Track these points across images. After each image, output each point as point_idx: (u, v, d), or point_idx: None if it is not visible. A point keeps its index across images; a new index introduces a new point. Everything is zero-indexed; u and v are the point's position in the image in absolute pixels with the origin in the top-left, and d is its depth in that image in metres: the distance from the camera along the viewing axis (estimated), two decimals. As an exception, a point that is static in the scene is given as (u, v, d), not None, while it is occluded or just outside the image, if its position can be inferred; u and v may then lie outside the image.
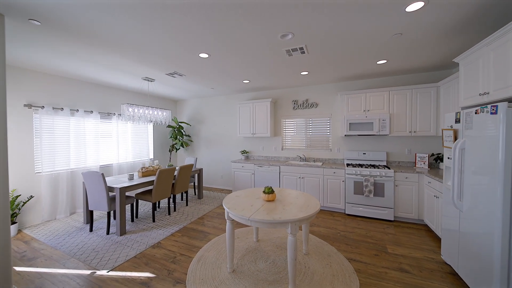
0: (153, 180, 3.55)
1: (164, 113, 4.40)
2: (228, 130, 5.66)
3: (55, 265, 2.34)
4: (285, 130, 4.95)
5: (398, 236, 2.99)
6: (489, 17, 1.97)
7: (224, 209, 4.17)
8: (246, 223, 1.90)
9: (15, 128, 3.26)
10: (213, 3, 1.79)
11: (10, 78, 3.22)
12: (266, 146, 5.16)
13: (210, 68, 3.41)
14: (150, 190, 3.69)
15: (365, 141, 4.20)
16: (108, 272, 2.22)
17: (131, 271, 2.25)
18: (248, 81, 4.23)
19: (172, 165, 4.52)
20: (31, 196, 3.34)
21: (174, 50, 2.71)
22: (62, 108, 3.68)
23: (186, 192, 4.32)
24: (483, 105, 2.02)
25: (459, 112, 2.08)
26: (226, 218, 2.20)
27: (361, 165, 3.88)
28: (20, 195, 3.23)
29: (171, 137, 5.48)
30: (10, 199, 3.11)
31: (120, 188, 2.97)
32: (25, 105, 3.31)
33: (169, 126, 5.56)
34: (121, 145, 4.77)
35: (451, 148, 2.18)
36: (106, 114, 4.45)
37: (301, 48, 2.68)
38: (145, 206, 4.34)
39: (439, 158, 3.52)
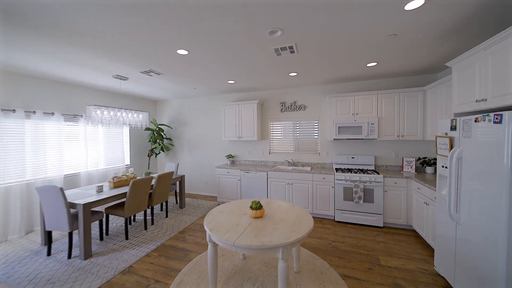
0: (126, 192, 3.15)
1: (140, 116, 3.99)
2: (212, 133, 5.34)
3: (-3, 305, 1.91)
4: (272, 134, 4.75)
5: (389, 244, 2.90)
6: (489, 18, 1.89)
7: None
8: (231, 249, 1.64)
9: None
10: (190, -9, 1.51)
11: None
12: (253, 150, 4.92)
13: (191, 67, 3.10)
14: (123, 203, 3.29)
15: (354, 145, 4.11)
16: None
17: (94, 306, 1.89)
18: (233, 82, 3.96)
19: (150, 173, 4.13)
20: (-26, 215, 2.80)
21: (148, 45, 2.37)
22: (14, 110, 3.15)
23: (166, 202, 3.95)
24: (482, 113, 1.94)
25: (455, 119, 1.98)
26: (207, 241, 1.92)
27: (350, 170, 3.78)
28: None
29: (149, 140, 5.04)
30: None
31: (83, 204, 2.56)
32: (-36, 107, 2.77)
33: (147, 129, 5.12)
34: (91, 150, 4.27)
35: (446, 156, 2.09)
36: (72, 116, 3.94)
37: (291, 47, 2.47)
38: (118, 220, 3.90)
39: (425, 162, 3.50)
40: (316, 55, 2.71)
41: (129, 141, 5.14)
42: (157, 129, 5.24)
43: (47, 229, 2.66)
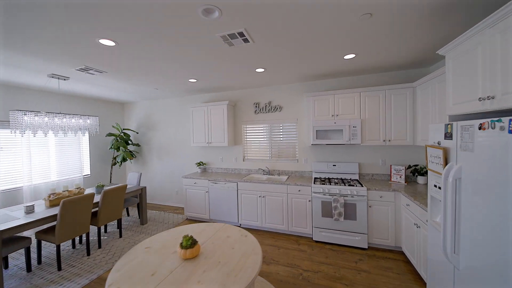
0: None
1: (89, 121, 3.43)
2: (183, 138, 4.79)
3: None
4: (246, 138, 4.22)
5: (373, 275, 2.38)
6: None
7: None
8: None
9: None
10: None
11: None
12: (225, 157, 4.38)
13: (128, 62, 2.55)
14: (56, 226, 2.73)
15: (335, 151, 3.60)
16: None
17: None
18: (195, 80, 3.42)
19: (103, 186, 3.57)
20: None
21: (69, 36, 1.82)
22: None
23: (120, 220, 3.40)
24: (488, 115, 1.43)
25: (450, 125, 1.47)
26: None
27: (330, 180, 3.27)
28: None
29: (111, 147, 4.48)
30: None
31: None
32: None
33: (109, 134, 4.56)
34: (36, 160, 3.70)
35: (439, 174, 1.57)
36: (5, 122, 3.37)
37: (241, 34, 1.94)
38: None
39: (416, 171, 3.00)
40: (278, 45, 2.18)
41: (89, 148, 4.58)
42: (121, 134, 4.68)
43: None
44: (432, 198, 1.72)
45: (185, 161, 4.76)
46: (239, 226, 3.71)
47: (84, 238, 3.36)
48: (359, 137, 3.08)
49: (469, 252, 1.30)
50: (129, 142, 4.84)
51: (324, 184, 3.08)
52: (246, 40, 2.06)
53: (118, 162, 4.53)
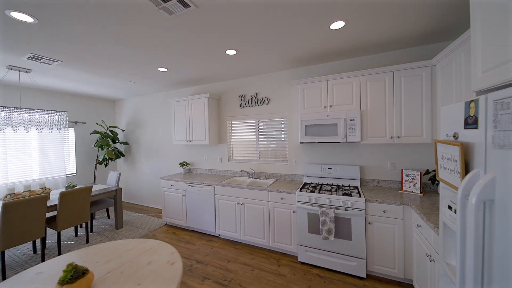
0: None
1: (57, 116, 3.21)
2: (169, 136, 4.45)
3: None
4: (232, 136, 3.72)
5: (366, 320, 1.73)
6: None
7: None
8: None
9: None
10: None
11: None
12: (210, 157, 3.93)
13: (68, 46, 2.20)
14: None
15: (331, 151, 2.94)
16: None
17: None
18: (165, 69, 3.01)
19: (74, 186, 3.33)
20: None
21: None
22: None
23: (86, 224, 3.12)
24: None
25: (475, 102, 0.83)
26: None
27: (322, 187, 2.63)
28: None
29: (95, 145, 4.29)
30: None
31: None
32: None
33: (95, 132, 4.38)
34: (12, 158, 3.59)
35: (455, 189, 0.93)
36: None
37: (172, -8, 1.45)
38: (24, 247, 3.14)
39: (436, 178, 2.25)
40: (235, 11, 1.65)
41: (75, 147, 4.44)
42: (107, 132, 4.48)
43: None
44: (446, 227, 1.06)
45: (171, 161, 4.40)
46: (218, 237, 3.22)
47: (50, 241, 3.14)
48: (358, 133, 2.42)
49: None
50: (117, 140, 4.63)
51: (312, 192, 2.46)
52: (185, 4, 1.57)
53: (100, 161, 4.31)
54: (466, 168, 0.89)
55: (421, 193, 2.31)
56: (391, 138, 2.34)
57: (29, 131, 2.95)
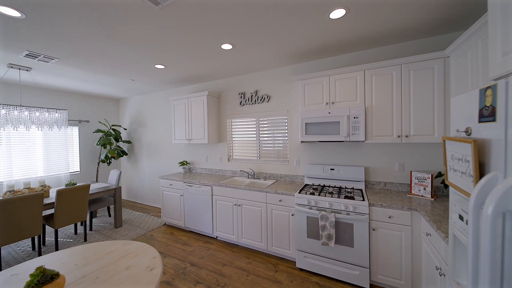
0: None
1: (57, 114, 3.23)
2: (169, 135, 4.42)
3: None
4: (232, 135, 3.62)
5: (366, 337, 1.57)
6: None
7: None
8: None
9: None
10: None
11: None
12: (210, 156, 3.85)
13: (62, 43, 2.17)
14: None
15: (333, 151, 2.77)
16: None
17: None
18: (162, 66, 2.95)
19: (74, 184, 3.34)
20: None
21: None
22: None
23: (84, 222, 3.11)
24: None
25: (492, 88, 0.67)
26: None
27: (323, 189, 2.47)
28: None
29: (97, 144, 4.32)
30: None
31: None
32: None
33: (98, 130, 4.42)
34: (17, 156, 3.66)
35: (466, 195, 0.77)
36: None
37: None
38: (24, 243, 3.17)
39: (451, 181, 2.04)
40: (222, -3, 1.54)
41: (79, 145, 4.50)
42: (109, 130, 4.50)
43: None
44: (456, 240, 0.90)
45: (172, 160, 4.36)
46: (215, 239, 3.12)
47: (48, 238, 3.16)
48: (362, 131, 2.24)
49: None
50: (120, 139, 4.65)
51: (312, 194, 2.31)
52: (169, -8, 1.47)
53: (103, 160, 4.34)
54: (481, 171, 0.73)
55: (432, 197, 2.10)
56: (398, 137, 2.15)
57: (30, 129, 2.96)
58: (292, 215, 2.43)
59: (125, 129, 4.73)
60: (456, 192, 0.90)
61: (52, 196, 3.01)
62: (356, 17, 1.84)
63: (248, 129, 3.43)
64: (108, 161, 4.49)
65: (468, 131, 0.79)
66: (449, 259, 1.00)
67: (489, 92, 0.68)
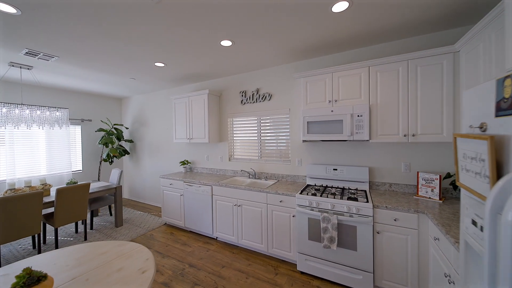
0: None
1: (58, 113, 3.23)
2: (170, 134, 4.39)
3: None
4: (234, 134, 3.56)
5: None
6: None
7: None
8: None
9: None
10: None
11: None
12: (211, 155, 3.80)
13: (60, 40, 2.15)
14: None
15: (336, 150, 2.69)
16: None
17: None
18: (162, 64, 2.92)
19: (75, 183, 3.34)
20: None
21: None
22: None
23: (84, 222, 3.10)
24: None
25: (510, 77, 0.59)
26: None
27: (326, 189, 2.39)
28: None
29: (99, 143, 4.33)
30: None
31: None
32: None
33: (100, 129, 4.42)
34: (19, 154, 3.68)
35: (482, 199, 0.69)
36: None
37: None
38: (23, 241, 3.18)
39: (460, 182, 1.93)
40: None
41: (81, 144, 4.52)
42: (111, 130, 4.51)
43: None
44: (468, 247, 0.82)
45: (173, 159, 4.34)
46: (215, 240, 3.07)
47: (48, 238, 3.16)
48: (366, 130, 2.16)
49: None
50: (122, 138, 4.65)
51: (314, 195, 2.23)
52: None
53: (104, 158, 4.34)
54: (498, 171, 0.65)
55: (440, 199, 2.00)
56: (404, 136, 2.06)
57: (31, 128, 2.96)
58: (293, 216, 2.35)
59: (127, 128, 4.72)
60: (468, 195, 0.82)
61: (53, 195, 3.00)
62: (359, 10, 1.76)
63: (249, 128, 3.37)
64: (110, 160, 4.49)
65: (483, 127, 0.71)
66: (459, 268, 0.92)
67: (508, 82, 0.60)
